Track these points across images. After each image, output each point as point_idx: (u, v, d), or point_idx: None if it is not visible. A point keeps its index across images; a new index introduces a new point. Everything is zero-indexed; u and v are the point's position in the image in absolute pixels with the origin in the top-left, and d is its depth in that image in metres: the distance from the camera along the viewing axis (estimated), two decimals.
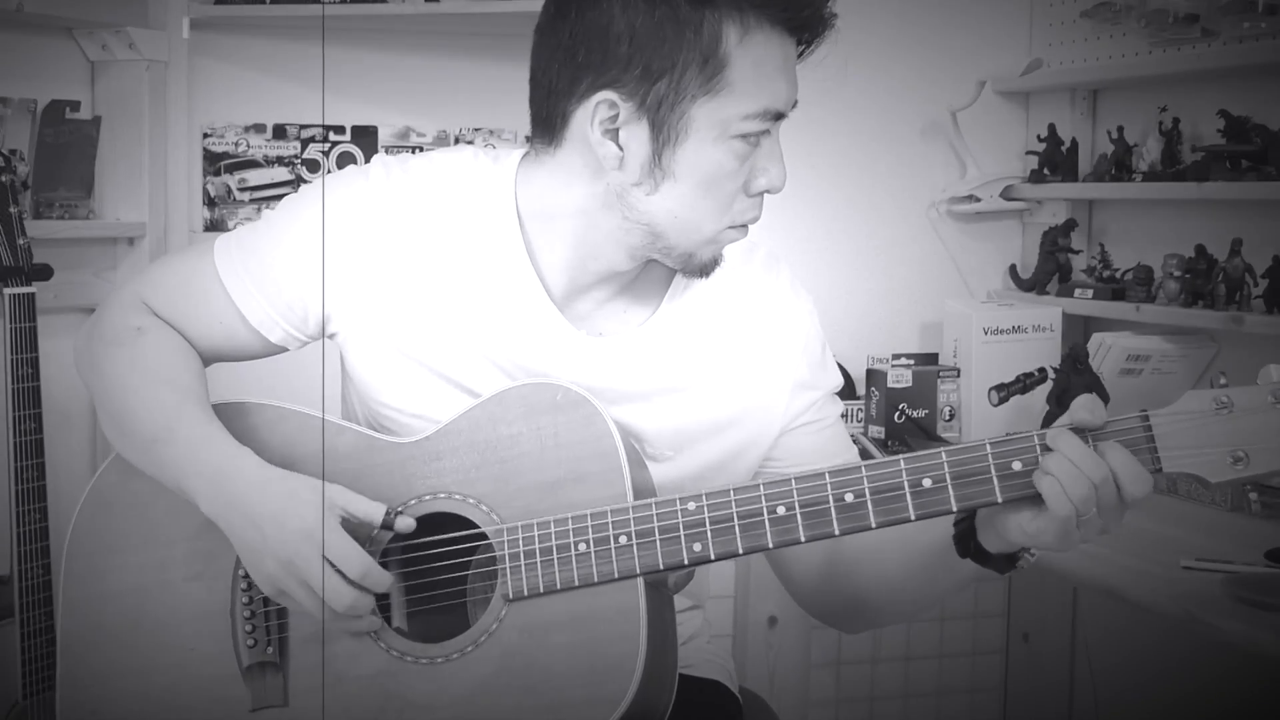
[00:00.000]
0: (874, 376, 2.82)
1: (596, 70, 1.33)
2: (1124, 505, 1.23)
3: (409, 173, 1.45)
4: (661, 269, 1.45)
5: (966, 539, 1.31)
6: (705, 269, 1.42)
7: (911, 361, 2.83)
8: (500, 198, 1.44)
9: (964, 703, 3.10)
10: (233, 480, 1.34)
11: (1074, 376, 2.56)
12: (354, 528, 1.33)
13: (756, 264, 1.52)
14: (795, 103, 1.39)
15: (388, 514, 1.34)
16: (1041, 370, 2.72)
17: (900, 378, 2.81)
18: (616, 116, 1.34)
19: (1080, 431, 1.23)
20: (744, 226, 1.41)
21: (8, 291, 2.23)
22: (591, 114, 1.34)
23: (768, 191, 1.39)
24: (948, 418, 2.84)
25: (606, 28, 1.32)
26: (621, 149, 1.35)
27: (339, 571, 1.30)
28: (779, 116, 1.36)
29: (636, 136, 1.34)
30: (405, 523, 1.35)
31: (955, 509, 1.26)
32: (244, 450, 1.37)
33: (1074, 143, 2.96)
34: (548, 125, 1.40)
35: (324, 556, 1.30)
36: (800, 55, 1.39)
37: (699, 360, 1.47)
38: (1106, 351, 2.66)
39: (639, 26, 1.31)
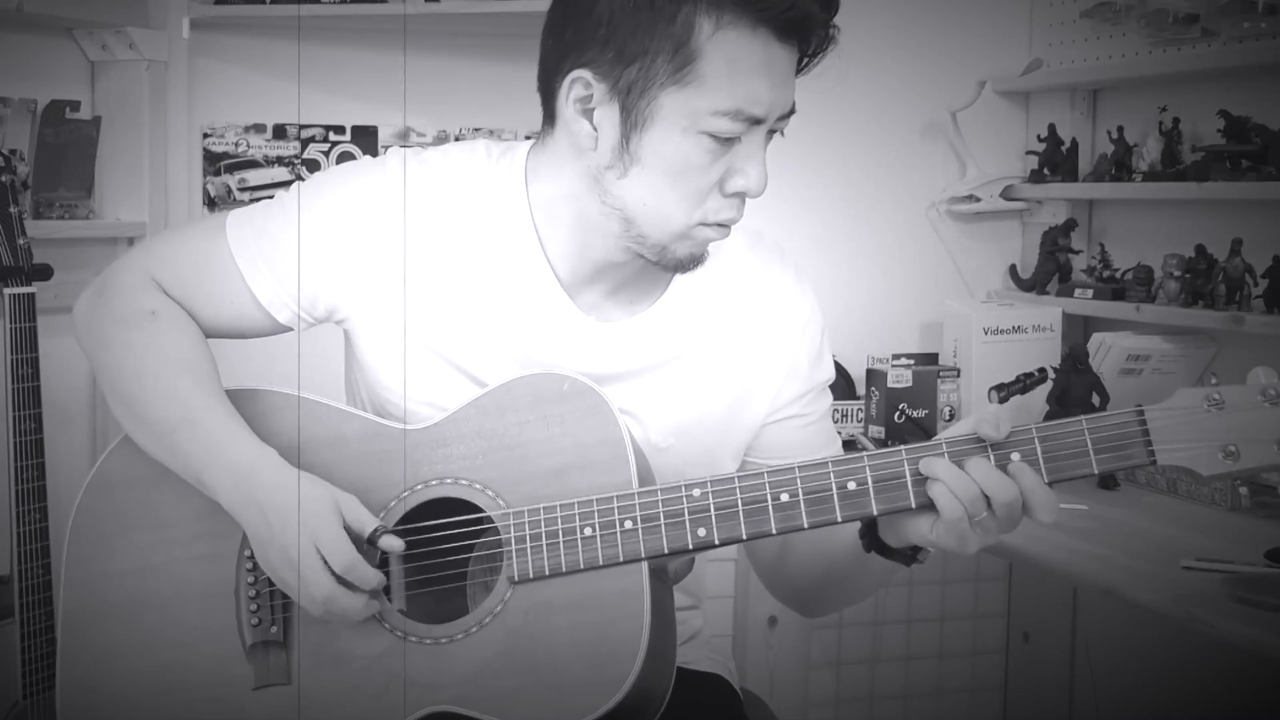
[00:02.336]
0: (874, 376, 2.82)
1: (578, 49, 1.36)
2: (1023, 517, 1.29)
3: (425, 165, 1.48)
4: None
5: (868, 535, 1.38)
6: (683, 265, 1.43)
7: (911, 361, 2.83)
8: (511, 186, 1.47)
9: (964, 703, 3.10)
10: (256, 477, 1.37)
11: (1074, 376, 2.56)
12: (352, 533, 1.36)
13: (762, 253, 1.55)
14: (788, 113, 1.38)
15: (374, 531, 1.35)
16: (1041, 370, 2.71)
17: (900, 378, 2.81)
18: (591, 97, 1.37)
19: (985, 447, 1.28)
20: (722, 226, 1.41)
21: (8, 291, 2.23)
22: (566, 91, 1.37)
23: (744, 194, 1.39)
24: (948, 418, 2.84)
25: (591, 8, 1.35)
26: (595, 129, 1.37)
27: (327, 565, 1.33)
28: (756, 121, 1.35)
29: (608, 118, 1.36)
30: (390, 542, 1.36)
31: None
32: (267, 449, 1.39)
33: (1074, 143, 2.96)
34: (546, 105, 1.43)
35: (299, 548, 1.33)
36: (803, 67, 1.38)
37: (703, 346, 1.50)
38: (1106, 351, 2.67)
39: (618, 10, 1.33)
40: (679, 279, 1.49)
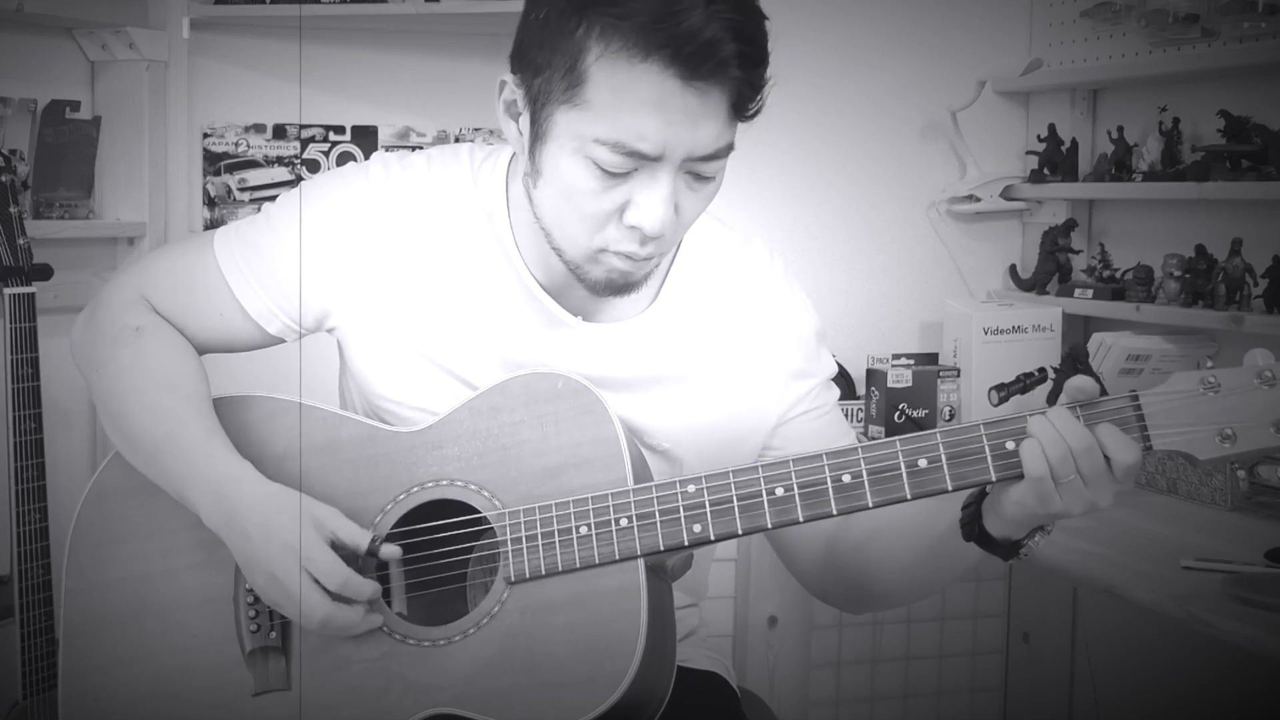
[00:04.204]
0: (874, 376, 2.82)
1: (514, 55, 1.38)
2: (1113, 477, 1.25)
3: (408, 170, 1.48)
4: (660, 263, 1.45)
5: (972, 523, 1.33)
6: (599, 288, 1.39)
7: (911, 361, 2.83)
8: (493, 192, 1.47)
9: (964, 703, 3.10)
10: (232, 495, 1.37)
11: (1074, 377, 2.56)
12: (343, 550, 1.35)
13: (751, 256, 1.54)
14: (710, 156, 1.31)
15: (373, 542, 1.36)
16: (1041, 370, 2.71)
17: (900, 378, 2.81)
18: (515, 102, 1.38)
19: (1072, 407, 1.27)
20: (627, 256, 1.35)
21: (8, 291, 2.23)
22: (498, 92, 1.39)
23: (638, 228, 1.33)
24: (948, 418, 2.84)
25: (525, 16, 1.36)
26: (521, 134, 1.38)
27: (320, 584, 1.33)
28: (645, 157, 1.29)
29: (524, 125, 1.38)
30: (390, 550, 1.36)
31: (951, 488, 1.28)
32: (244, 465, 1.39)
33: (1074, 143, 2.96)
34: None
35: (300, 565, 1.33)
36: (747, 114, 1.32)
37: (694, 350, 1.49)
38: (1106, 351, 2.67)
39: (533, 22, 1.34)
40: (670, 279, 1.49)
